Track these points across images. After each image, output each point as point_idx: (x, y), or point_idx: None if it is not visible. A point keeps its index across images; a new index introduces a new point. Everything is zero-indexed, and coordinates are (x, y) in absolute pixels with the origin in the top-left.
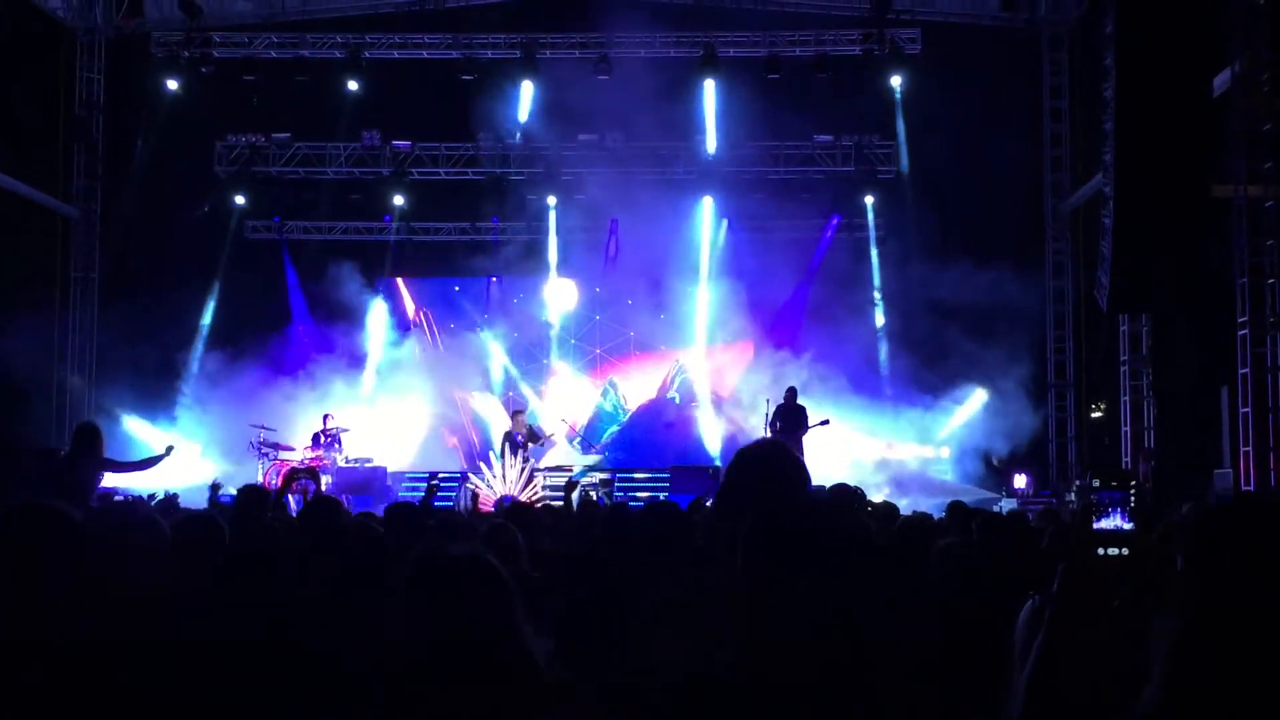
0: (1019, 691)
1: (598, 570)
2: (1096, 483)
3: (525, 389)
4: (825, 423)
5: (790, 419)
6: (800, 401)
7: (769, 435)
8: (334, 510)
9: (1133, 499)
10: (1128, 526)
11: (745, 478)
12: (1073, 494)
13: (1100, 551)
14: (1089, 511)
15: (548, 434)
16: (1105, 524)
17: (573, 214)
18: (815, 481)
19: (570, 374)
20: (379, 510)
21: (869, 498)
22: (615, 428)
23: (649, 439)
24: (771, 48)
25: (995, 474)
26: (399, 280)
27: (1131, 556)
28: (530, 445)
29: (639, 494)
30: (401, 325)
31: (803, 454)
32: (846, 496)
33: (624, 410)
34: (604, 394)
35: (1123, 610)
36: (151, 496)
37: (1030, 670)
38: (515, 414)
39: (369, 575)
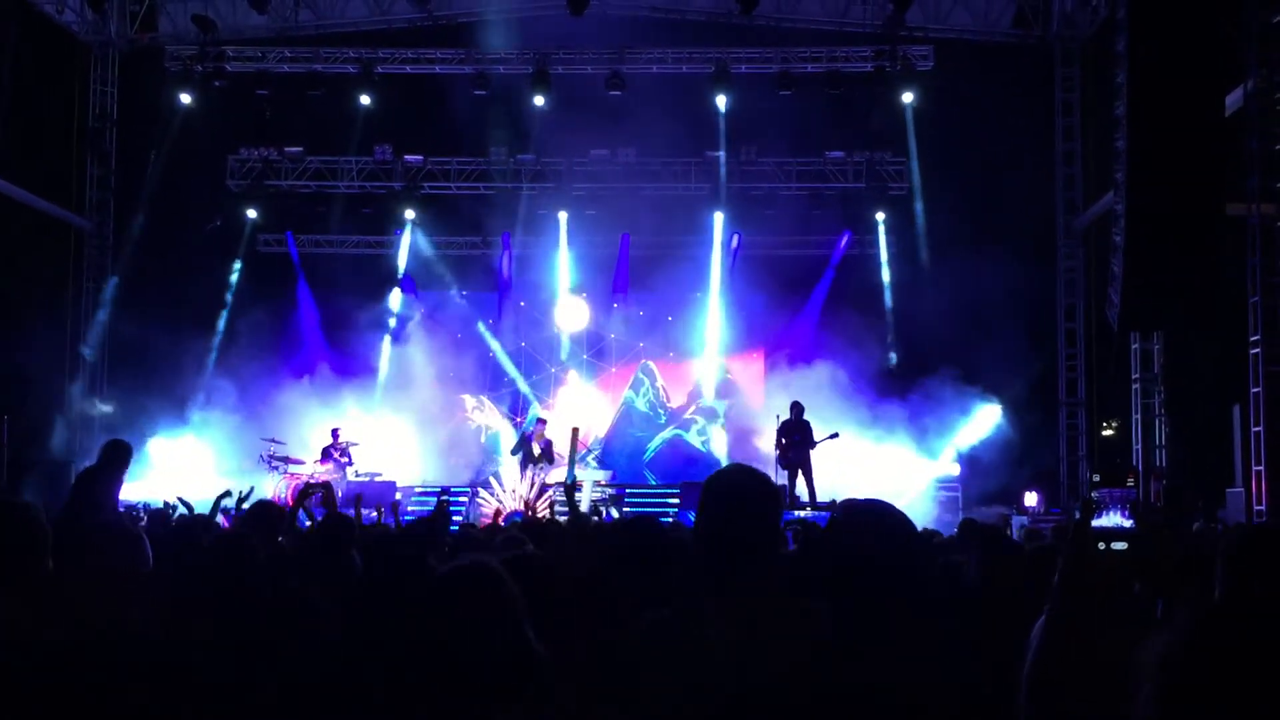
0: (1022, 685)
1: (592, 589)
2: (1097, 478)
3: (535, 402)
4: (835, 436)
5: (796, 434)
6: (807, 417)
7: (776, 451)
8: (348, 528)
9: (1135, 495)
10: (1128, 524)
11: (715, 512)
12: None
13: (1101, 546)
14: (1090, 507)
15: (559, 454)
16: (1105, 521)
17: (584, 229)
18: (824, 495)
19: (580, 384)
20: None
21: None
22: (671, 434)
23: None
24: (784, 64)
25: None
26: (409, 293)
27: (1133, 553)
28: (546, 462)
29: (648, 510)
30: (412, 339)
31: (810, 469)
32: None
33: (663, 409)
34: (635, 387)
35: (1125, 605)
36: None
37: (1032, 662)
38: (538, 420)
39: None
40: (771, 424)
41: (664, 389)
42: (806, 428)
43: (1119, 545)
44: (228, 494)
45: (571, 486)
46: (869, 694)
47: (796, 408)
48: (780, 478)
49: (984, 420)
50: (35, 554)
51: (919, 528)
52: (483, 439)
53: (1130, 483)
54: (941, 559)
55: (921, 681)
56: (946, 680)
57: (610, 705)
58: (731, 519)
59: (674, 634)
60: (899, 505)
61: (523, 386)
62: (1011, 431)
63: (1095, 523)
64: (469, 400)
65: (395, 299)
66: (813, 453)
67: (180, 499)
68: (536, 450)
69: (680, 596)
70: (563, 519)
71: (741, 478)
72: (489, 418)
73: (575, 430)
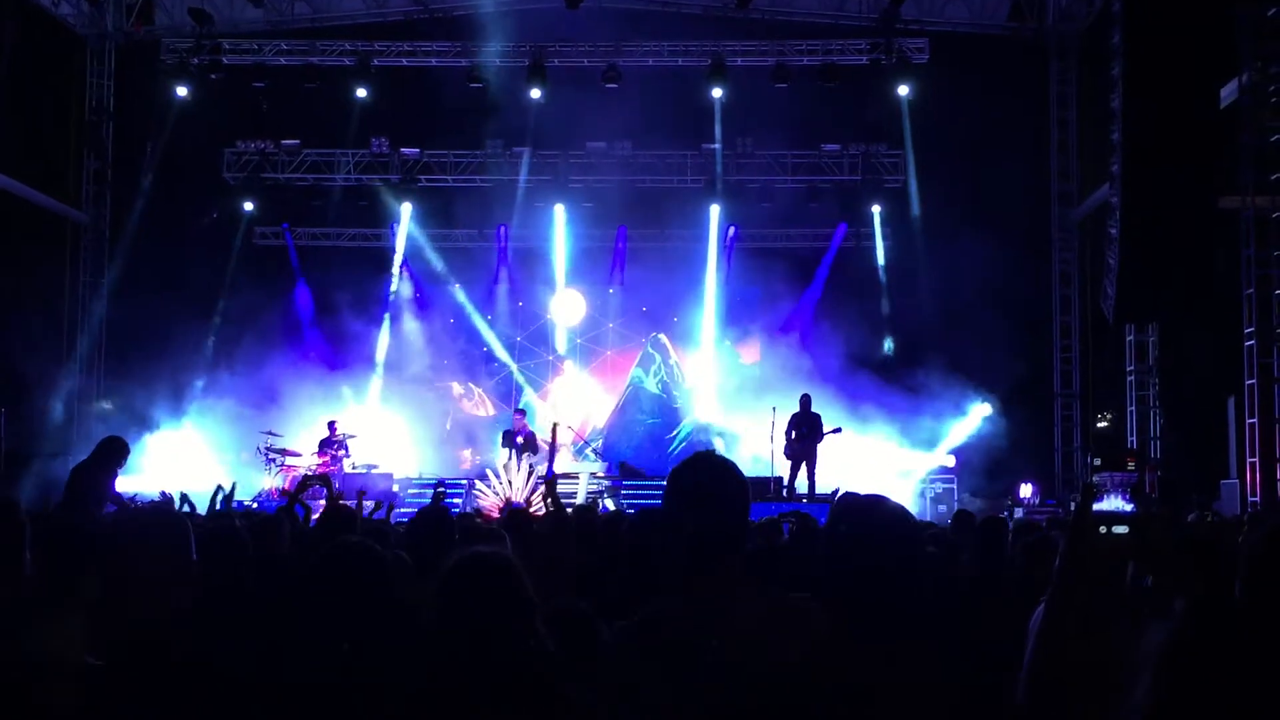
0: (1023, 676)
1: (594, 581)
2: (1098, 462)
3: (529, 391)
4: (838, 431)
5: (805, 426)
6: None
7: (783, 443)
8: (349, 521)
9: (1135, 478)
10: (1129, 507)
11: (681, 507)
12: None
13: (1102, 530)
14: (1090, 491)
15: (543, 442)
16: (1107, 505)
17: (580, 221)
18: (823, 489)
19: (576, 373)
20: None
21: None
22: (696, 422)
23: None
24: (779, 57)
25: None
26: (405, 286)
27: (1134, 537)
28: (530, 452)
29: (644, 502)
30: (408, 330)
31: (815, 462)
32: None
33: (677, 387)
34: (644, 364)
35: (1125, 591)
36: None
37: (1032, 651)
38: (516, 411)
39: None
40: (766, 416)
41: (678, 366)
42: (816, 420)
43: (1120, 529)
44: (221, 489)
45: (551, 482)
46: (866, 691)
47: (805, 399)
48: (782, 469)
49: (978, 414)
50: (13, 551)
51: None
52: (448, 425)
53: (1131, 466)
54: (935, 550)
55: (917, 679)
56: (943, 676)
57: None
58: (699, 513)
59: (648, 634)
60: (894, 497)
61: (518, 377)
62: (1006, 423)
63: (1096, 506)
64: (456, 387)
65: (394, 283)
66: (819, 446)
67: (183, 494)
68: (520, 441)
69: (659, 594)
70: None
71: (708, 467)
72: (479, 406)
73: (554, 426)
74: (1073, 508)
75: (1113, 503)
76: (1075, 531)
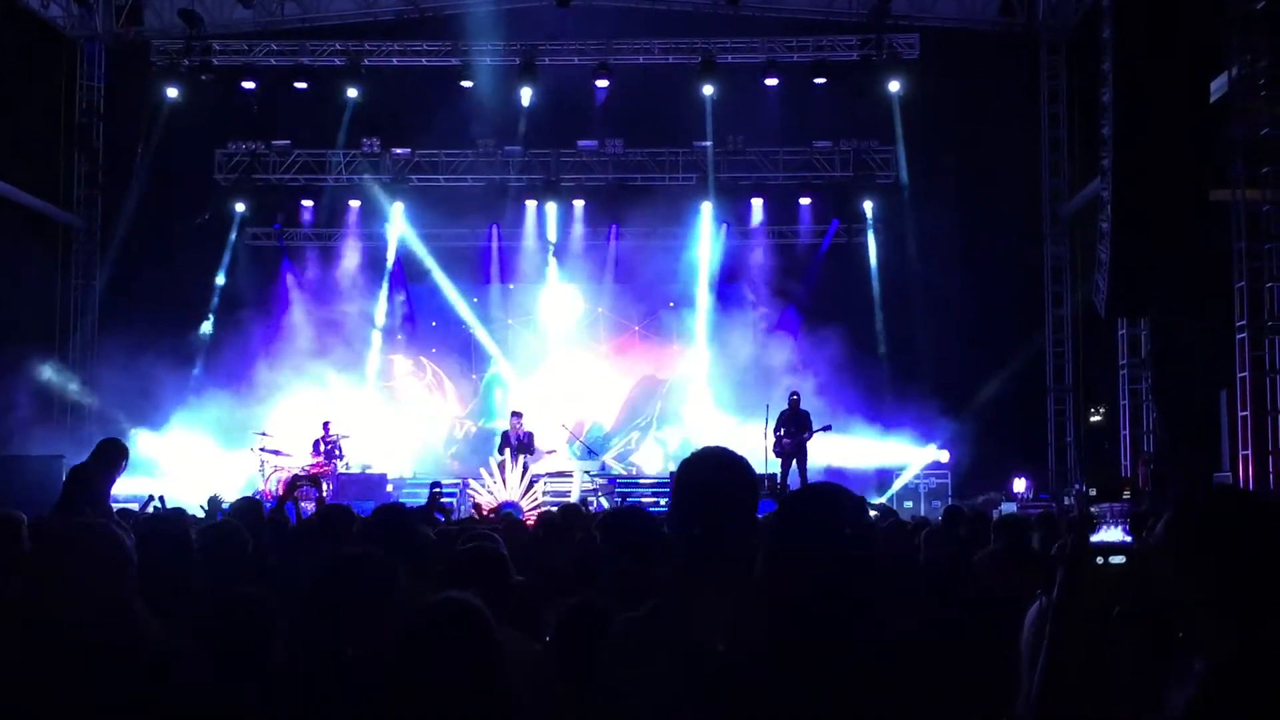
0: (1031, 705)
1: (588, 579)
2: (1093, 492)
3: (523, 388)
4: (827, 428)
5: (794, 424)
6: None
7: (772, 440)
8: (346, 518)
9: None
10: (1128, 539)
11: (689, 496)
12: (1070, 499)
13: (1099, 561)
14: (1087, 520)
15: (545, 450)
16: (1105, 535)
17: (572, 220)
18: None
19: (570, 371)
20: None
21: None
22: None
23: None
24: (770, 53)
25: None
26: (398, 285)
27: (1131, 564)
28: (526, 453)
29: (642, 500)
30: (401, 331)
31: (805, 458)
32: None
33: None
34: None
35: (1124, 620)
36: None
37: (1038, 682)
38: (513, 414)
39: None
40: (760, 412)
41: None
42: (804, 417)
43: (1117, 559)
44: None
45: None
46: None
47: (794, 397)
48: (772, 466)
49: (927, 456)
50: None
51: (911, 516)
52: (473, 432)
53: (1126, 495)
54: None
55: (866, 671)
56: (892, 671)
57: (589, 707)
58: (707, 508)
59: (648, 633)
60: (890, 490)
61: (506, 374)
62: (1000, 417)
63: (1093, 538)
64: (402, 361)
65: (386, 282)
66: (809, 443)
67: (160, 497)
68: (516, 442)
69: (660, 593)
70: (553, 509)
71: (717, 464)
72: (433, 387)
73: (573, 430)
74: (1073, 511)
75: (1111, 534)
76: (1072, 564)
